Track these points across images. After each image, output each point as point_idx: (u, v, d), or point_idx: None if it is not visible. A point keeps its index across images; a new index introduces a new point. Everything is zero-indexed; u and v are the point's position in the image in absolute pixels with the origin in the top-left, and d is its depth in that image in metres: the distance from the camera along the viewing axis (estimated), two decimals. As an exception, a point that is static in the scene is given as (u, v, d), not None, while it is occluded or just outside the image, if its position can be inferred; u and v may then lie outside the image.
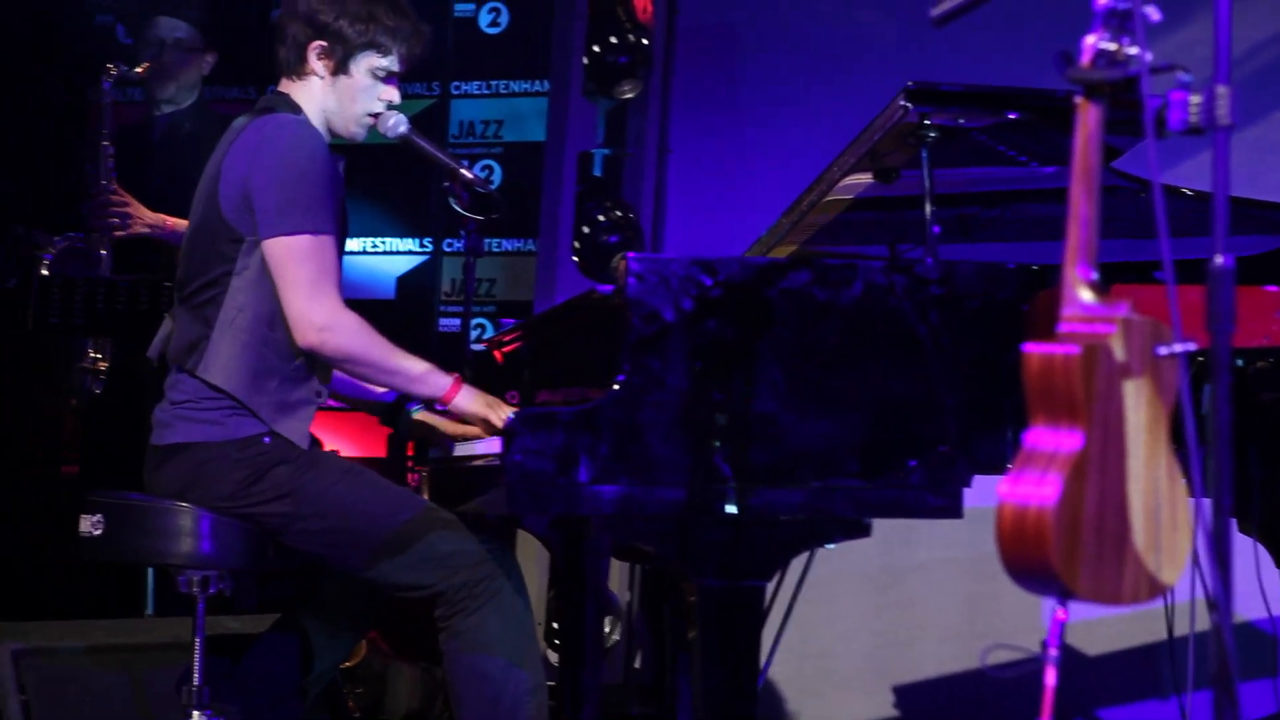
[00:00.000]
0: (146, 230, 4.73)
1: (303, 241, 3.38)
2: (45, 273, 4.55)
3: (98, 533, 3.49)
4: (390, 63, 3.56)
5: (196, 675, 3.48)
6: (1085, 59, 2.16)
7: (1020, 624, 5.01)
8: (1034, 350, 2.22)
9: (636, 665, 5.25)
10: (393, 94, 3.61)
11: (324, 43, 3.53)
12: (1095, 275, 2.22)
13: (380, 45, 3.54)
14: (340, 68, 3.54)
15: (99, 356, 4.78)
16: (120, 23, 5.17)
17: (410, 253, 6.04)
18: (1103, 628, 4.93)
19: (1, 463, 5.65)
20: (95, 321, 4.51)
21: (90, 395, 4.78)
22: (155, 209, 4.82)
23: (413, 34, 3.58)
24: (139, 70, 4.89)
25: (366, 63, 3.55)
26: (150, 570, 4.60)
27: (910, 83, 3.13)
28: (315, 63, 3.55)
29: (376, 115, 3.61)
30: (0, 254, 4.52)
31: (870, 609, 5.12)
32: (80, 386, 4.79)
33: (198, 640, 3.48)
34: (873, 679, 5.12)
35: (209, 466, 3.43)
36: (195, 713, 3.47)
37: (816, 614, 4.86)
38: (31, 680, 3.96)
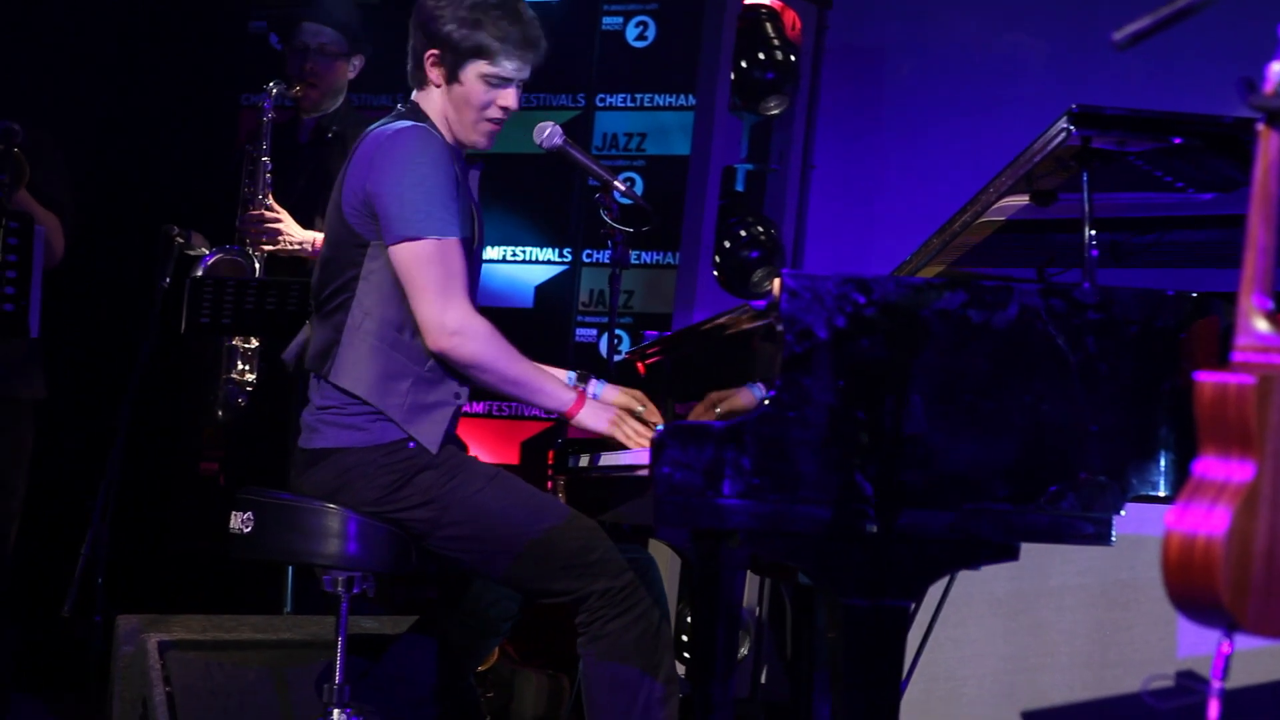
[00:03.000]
0: (296, 248, 4.81)
1: (428, 246, 3.41)
2: (198, 273, 4.64)
3: (248, 530, 3.55)
4: (502, 69, 3.55)
5: (338, 674, 3.53)
6: (1268, 86, 2.13)
7: (1153, 653, 4.94)
8: (1207, 379, 2.19)
9: (763, 680, 5.24)
10: (509, 100, 3.59)
11: (436, 51, 3.56)
12: (1271, 305, 2.19)
13: (486, 51, 3.53)
14: (452, 75, 3.56)
15: (246, 368, 4.86)
16: (271, 30, 5.24)
17: (550, 262, 6.07)
18: (1238, 661, 4.85)
19: (146, 460, 5.75)
20: (244, 321, 4.57)
21: (236, 408, 4.85)
22: (301, 211, 4.90)
23: (522, 41, 3.55)
24: (296, 91, 4.97)
25: (475, 69, 3.55)
26: (290, 568, 4.65)
27: (1074, 106, 3.10)
28: (431, 71, 3.58)
29: (497, 121, 3.61)
30: (155, 254, 4.60)
31: (999, 633, 5.07)
32: (227, 399, 4.87)
33: (340, 639, 3.53)
34: (1000, 704, 5.07)
35: (356, 471, 3.47)
36: (335, 711, 3.52)
37: (944, 636, 4.83)
38: (177, 673, 4.03)
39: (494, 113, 3.58)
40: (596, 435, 3.53)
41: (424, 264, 3.41)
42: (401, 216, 3.42)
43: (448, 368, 3.49)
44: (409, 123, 3.52)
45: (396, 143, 3.47)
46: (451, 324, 3.40)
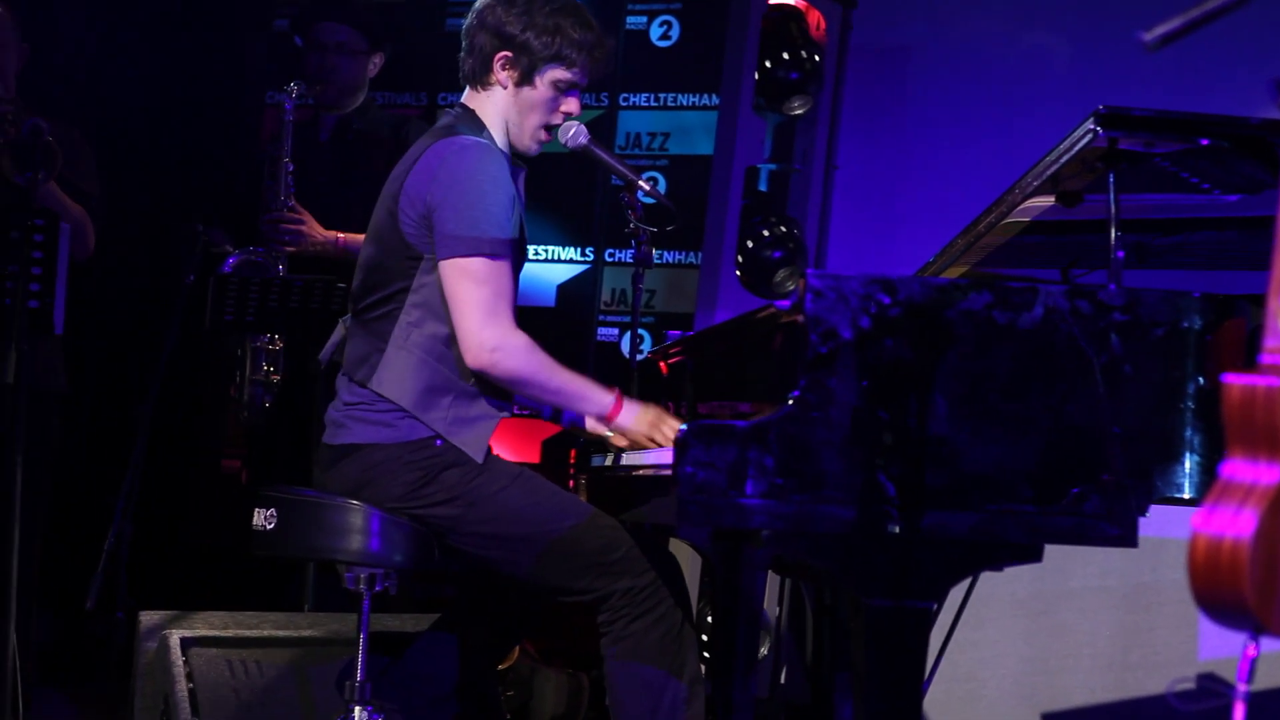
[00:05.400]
0: (318, 249, 4.82)
1: (478, 264, 3.42)
2: (223, 271, 4.65)
3: (270, 527, 3.55)
4: (574, 75, 3.59)
5: (359, 671, 3.53)
6: (1298, 89, 2.13)
7: (1174, 655, 4.93)
8: (1235, 381, 2.18)
9: (783, 681, 5.23)
10: (573, 106, 3.63)
11: (510, 54, 3.56)
12: (1300, 307, 2.18)
13: (566, 58, 3.57)
14: (525, 79, 3.57)
15: (271, 369, 4.87)
16: (293, 30, 5.24)
17: (572, 261, 6.08)
18: (1262, 664, 4.82)
19: (169, 456, 5.77)
20: (267, 319, 4.59)
21: (262, 408, 4.87)
22: (323, 209, 4.90)
23: (596, 46, 3.60)
24: (316, 90, 4.97)
25: (551, 75, 3.58)
26: (312, 565, 4.66)
27: (1101, 107, 3.09)
28: (500, 73, 3.58)
29: (554, 128, 3.64)
30: (179, 252, 4.61)
31: (1020, 634, 5.06)
32: (253, 400, 4.88)
33: (362, 636, 3.53)
34: (1021, 705, 5.06)
35: (381, 468, 3.48)
36: (357, 708, 3.52)
37: (965, 637, 4.81)
38: (198, 669, 4.04)
39: (557, 119, 3.61)
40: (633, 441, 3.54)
41: (472, 283, 3.42)
42: (456, 234, 3.43)
43: (489, 384, 3.50)
44: (473, 139, 3.52)
45: (461, 160, 3.47)
46: (490, 342, 3.41)
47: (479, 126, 3.58)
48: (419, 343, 3.49)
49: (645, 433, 3.48)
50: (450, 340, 3.48)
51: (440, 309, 3.48)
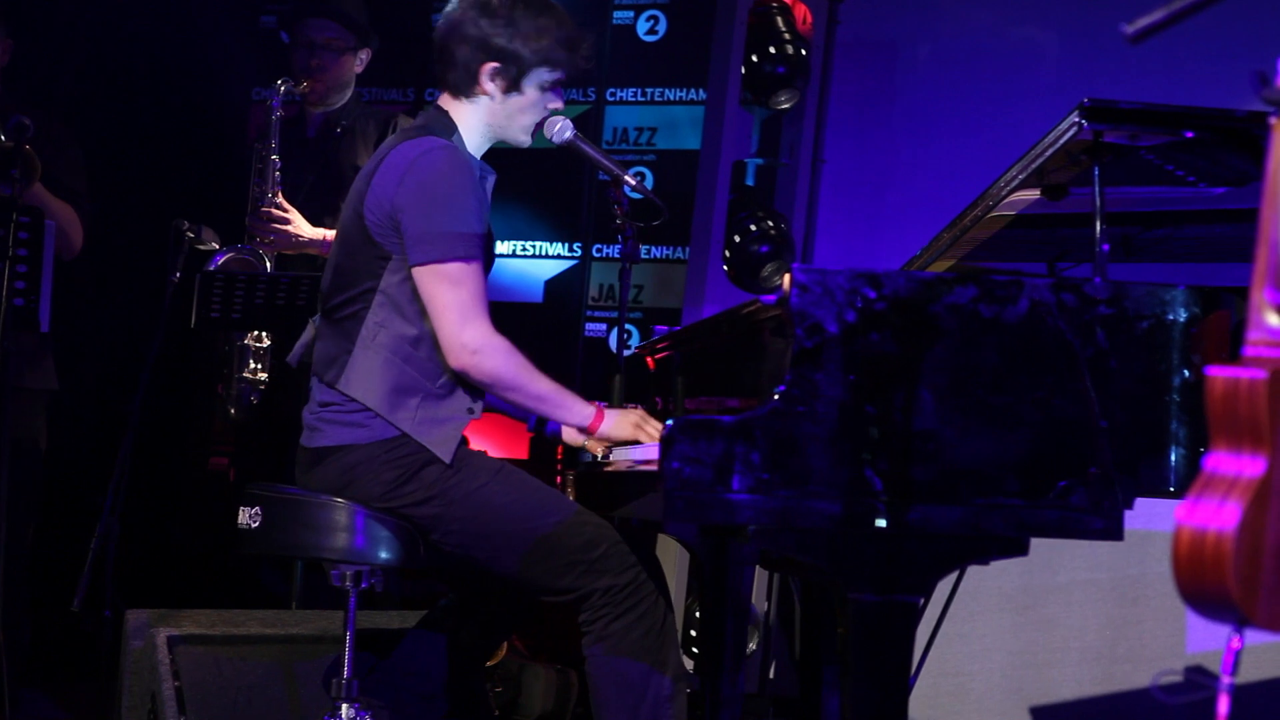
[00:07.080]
0: (305, 246, 4.82)
1: (453, 269, 3.43)
2: (210, 268, 4.64)
3: (255, 525, 3.54)
4: (561, 75, 3.61)
5: (346, 668, 3.52)
6: (1281, 80, 2.12)
7: (1162, 648, 4.94)
8: (1218, 373, 2.18)
9: (771, 675, 5.23)
10: (558, 103, 3.65)
11: (498, 64, 3.56)
12: (1284, 299, 2.18)
13: (553, 59, 3.58)
14: (513, 86, 3.58)
15: (258, 366, 4.86)
16: (280, 26, 5.23)
17: (559, 257, 6.07)
18: (1248, 656, 4.83)
19: (156, 454, 5.76)
20: (254, 316, 4.57)
21: (249, 406, 4.86)
22: (309, 206, 4.89)
23: (581, 42, 3.62)
24: (304, 87, 4.97)
25: (538, 78, 3.59)
26: (298, 563, 4.65)
27: (1086, 99, 3.09)
28: (488, 84, 3.58)
29: (542, 121, 3.65)
30: (165, 249, 4.60)
31: (1008, 629, 5.06)
32: (240, 398, 4.88)
33: (348, 634, 3.52)
34: (1009, 699, 5.06)
35: (360, 468, 3.47)
36: (344, 705, 3.52)
37: (953, 631, 4.82)
38: (186, 667, 4.03)
39: (543, 114, 3.63)
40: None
41: (448, 287, 3.42)
42: (428, 238, 3.43)
43: (463, 384, 3.50)
44: (440, 141, 3.52)
45: (427, 162, 3.47)
46: (471, 343, 3.41)
47: (450, 129, 3.58)
48: (385, 343, 3.49)
49: (630, 436, 3.49)
50: (416, 341, 3.48)
51: (406, 309, 3.48)
